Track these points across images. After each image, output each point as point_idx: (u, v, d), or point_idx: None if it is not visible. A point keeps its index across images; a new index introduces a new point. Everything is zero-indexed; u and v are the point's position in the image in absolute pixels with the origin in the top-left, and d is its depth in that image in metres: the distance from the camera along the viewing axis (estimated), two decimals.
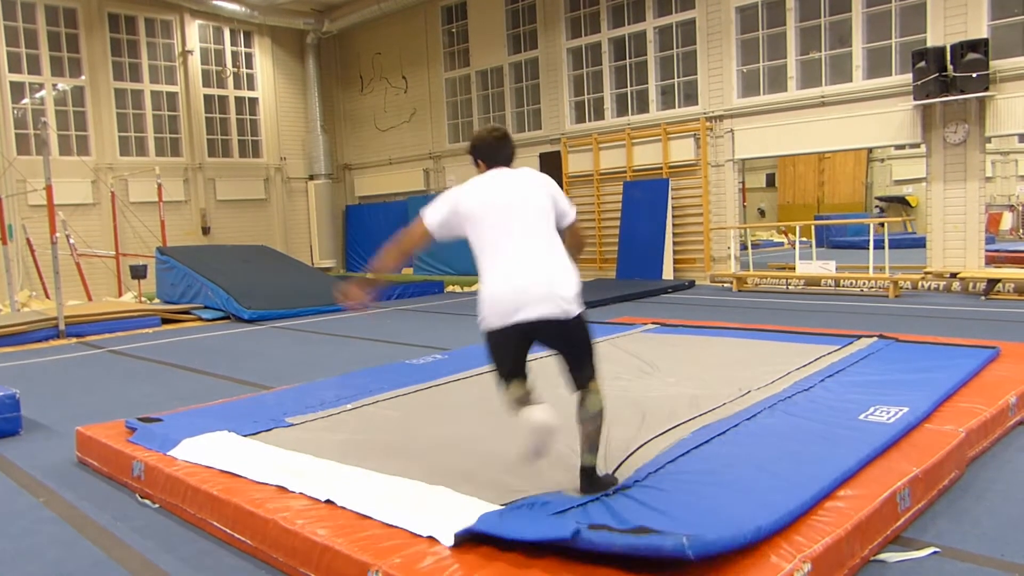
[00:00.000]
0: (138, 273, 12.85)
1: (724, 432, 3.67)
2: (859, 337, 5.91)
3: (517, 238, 3.06)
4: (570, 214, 3.30)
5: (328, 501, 3.06)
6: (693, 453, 3.39)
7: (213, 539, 3.19)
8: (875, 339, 5.79)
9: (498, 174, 3.24)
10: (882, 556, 2.74)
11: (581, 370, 3.09)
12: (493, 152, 3.29)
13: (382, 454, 3.72)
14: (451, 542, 2.61)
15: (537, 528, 2.53)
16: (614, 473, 3.24)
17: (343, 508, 2.99)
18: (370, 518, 2.87)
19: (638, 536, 2.35)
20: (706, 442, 3.53)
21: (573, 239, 3.36)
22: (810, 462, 3.14)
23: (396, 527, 2.78)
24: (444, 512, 2.84)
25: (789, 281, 11.18)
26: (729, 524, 2.45)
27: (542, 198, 3.17)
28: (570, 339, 3.08)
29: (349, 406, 4.69)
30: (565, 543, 2.42)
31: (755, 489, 2.89)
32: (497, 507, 2.86)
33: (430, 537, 2.68)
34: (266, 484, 3.30)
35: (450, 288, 13.70)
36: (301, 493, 3.17)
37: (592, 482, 3.05)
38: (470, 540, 2.61)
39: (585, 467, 3.07)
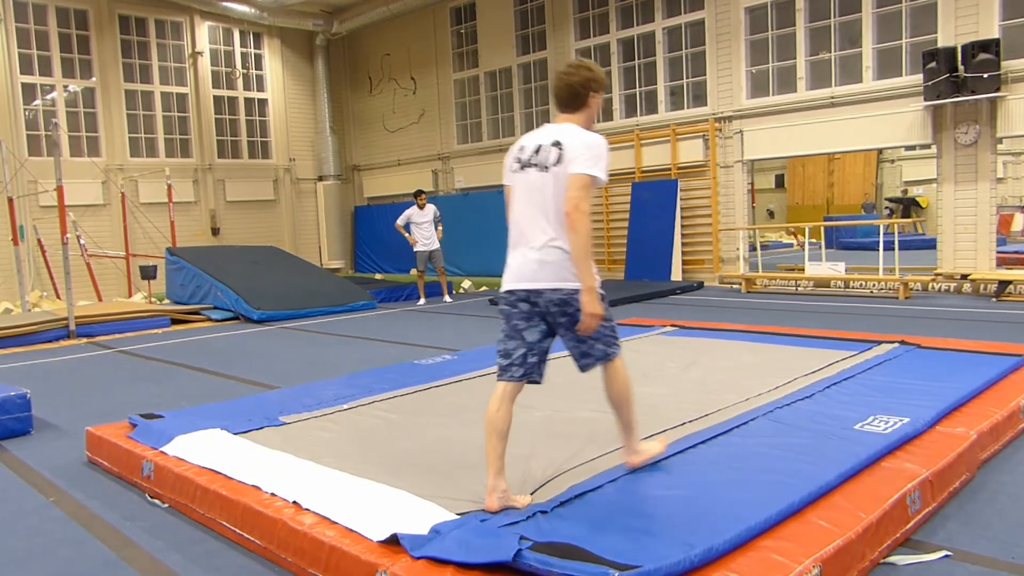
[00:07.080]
0: (148, 274, 12.91)
1: (705, 440, 3.58)
2: (880, 343, 5.72)
3: None
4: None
5: (295, 503, 3.07)
6: (667, 461, 3.32)
7: (222, 539, 3.20)
8: (896, 345, 5.59)
9: None
10: (892, 559, 2.72)
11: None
12: None
13: (360, 455, 3.68)
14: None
15: (476, 549, 2.48)
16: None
17: (308, 509, 2.99)
18: (327, 518, 2.88)
19: (576, 562, 2.32)
20: (683, 451, 3.45)
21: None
22: (788, 474, 3.04)
23: (347, 528, 2.78)
24: (397, 518, 2.77)
25: (798, 282, 11.14)
26: (679, 544, 2.41)
27: None
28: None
29: (345, 406, 4.66)
30: (506, 565, 2.39)
31: (722, 502, 2.81)
32: (453, 516, 2.79)
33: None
34: (242, 482, 3.34)
35: (459, 289, 13.70)
36: (272, 494, 3.18)
37: None
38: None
39: None
